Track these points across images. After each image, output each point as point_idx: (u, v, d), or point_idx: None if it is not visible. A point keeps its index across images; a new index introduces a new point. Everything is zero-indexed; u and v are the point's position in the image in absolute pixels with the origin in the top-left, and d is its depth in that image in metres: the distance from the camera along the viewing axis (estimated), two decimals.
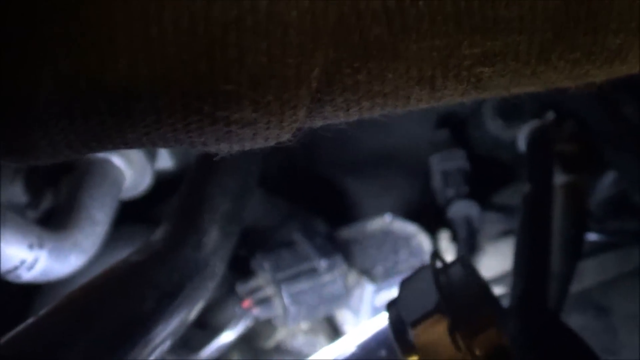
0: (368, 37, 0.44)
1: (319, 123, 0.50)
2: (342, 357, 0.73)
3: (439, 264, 0.76)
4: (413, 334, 0.69)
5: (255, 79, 0.42)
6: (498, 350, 0.66)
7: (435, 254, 0.75)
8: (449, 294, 0.69)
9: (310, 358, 0.61)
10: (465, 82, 0.50)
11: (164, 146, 0.48)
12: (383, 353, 0.73)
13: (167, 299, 0.83)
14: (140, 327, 0.79)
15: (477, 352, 0.65)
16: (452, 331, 0.66)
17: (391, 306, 0.75)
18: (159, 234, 0.93)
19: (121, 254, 1.04)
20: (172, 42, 0.40)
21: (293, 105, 0.44)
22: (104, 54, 0.40)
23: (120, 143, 0.46)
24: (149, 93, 0.41)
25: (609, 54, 0.53)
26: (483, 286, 0.74)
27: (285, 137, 0.48)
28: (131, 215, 1.20)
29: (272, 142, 0.48)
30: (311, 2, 0.41)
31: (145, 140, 0.46)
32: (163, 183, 1.23)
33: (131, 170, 1.13)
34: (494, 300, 0.76)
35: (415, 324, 0.69)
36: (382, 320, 0.75)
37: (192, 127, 0.44)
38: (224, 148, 0.48)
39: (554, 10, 0.48)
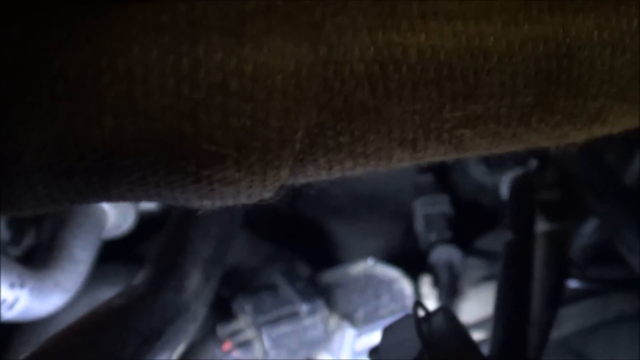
0: (351, 101, 0.44)
1: (302, 181, 0.50)
2: None
3: (421, 312, 0.76)
4: None
5: (239, 140, 0.42)
6: None
7: (418, 303, 0.76)
8: (430, 343, 0.69)
9: None
10: (447, 144, 0.50)
11: (147, 201, 0.48)
12: None
13: (148, 345, 0.83)
14: None
15: None
16: None
17: (373, 353, 0.75)
18: (140, 277, 0.93)
19: (103, 293, 1.04)
20: (157, 103, 0.40)
21: (276, 166, 0.45)
22: (89, 113, 0.40)
23: (104, 198, 0.46)
24: (134, 152, 0.41)
25: (589, 117, 0.54)
26: (464, 336, 0.74)
27: (268, 195, 0.48)
28: (114, 254, 1.19)
29: (254, 200, 0.48)
30: (296, 67, 0.42)
31: (128, 196, 0.46)
32: (146, 223, 1.23)
33: (114, 210, 1.13)
34: (476, 349, 0.77)
35: None
36: None
37: (176, 185, 0.44)
38: (206, 204, 0.48)
39: (535, 76, 0.49)
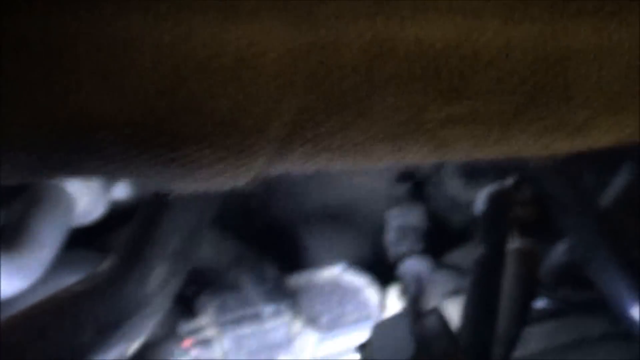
0: (334, 92, 0.43)
1: (277, 172, 0.49)
2: None
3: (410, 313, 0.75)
4: None
5: (218, 122, 0.41)
6: None
7: (414, 303, 0.75)
8: (424, 345, 0.68)
9: None
10: (428, 144, 0.50)
11: (121, 177, 0.47)
12: None
13: (105, 333, 0.82)
14: (76, 358, 0.78)
15: None
16: None
17: (363, 349, 0.74)
18: (104, 266, 0.92)
19: (67, 280, 1.02)
20: (135, 78, 0.39)
21: (252, 152, 0.44)
22: (66, 85, 0.39)
23: (76, 172, 0.46)
24: (109, 127, 0.41)
25: (573, 128, 0.53)
26: (455, 340, 0.73)
27: (243, 182, 0.47)
28: (81, 242, 1.18)
29: (229, 186, 0.48)
30: (281, 53, 0.41)
31: (101, 171, 0.45)
32: (117, 213, 1.22)
33: (85, 197, 1.12)
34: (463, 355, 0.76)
35: None
36: None
37: (149, 163, 0.43)
38: (180, 187, 0.47)
39: (521, 81, 0.48)
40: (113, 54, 0.39)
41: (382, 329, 0.74)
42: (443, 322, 0.72)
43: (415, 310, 0.73)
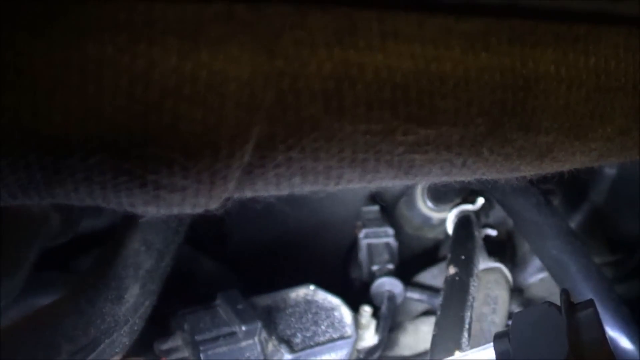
0: (304, 116, 0.44)
1: (248, 194, 0.50)
2: None
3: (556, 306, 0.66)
4: None
5: (188, 146, 0.42)
6: None
7: (567, 293, 0.66)
8: (577, 345, 0.60)
9: None
10: (397, 168, 0.50)
11: (92, 204, 0.47)
12: None
13: (82, 353, 0.82)
14: None
15: None
16: None
17: (500, 338, 0.67)
18: (80, 285, 0.92)
19: (39, 300, 1.02)
20: (108, 102, 0.40)
21: (223, 176, 0.44)
22: (38, 107, 0.39)
23: (47, 197, 0.45)
24: (80, 150, 0.41)
25: (540, 152, 0.54)
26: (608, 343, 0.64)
27: (214, 205, 0.48)
28: (51, 263, 1.18)
29: (200, 210, 0.48)
30: (250, 77, 0.42)
31: (72, 196, 0.45)
32: (88, 234, 1.21)
33: (57, 217, 1.11)
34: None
35: None
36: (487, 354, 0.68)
37: (121, 187, 0.44)
38: (151, 211, 0.47)
39: (490, 105, 0.49)
40: (89, 76, 0.39)
41: (524, 318, 0.65)
42: (598, 318, 0.63)
43: (568, 300, 0.62)
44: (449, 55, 0.47)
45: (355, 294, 1.37)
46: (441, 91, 0.47)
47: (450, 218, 1.40)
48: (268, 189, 0.49)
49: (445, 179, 0.55)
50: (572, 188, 1.46)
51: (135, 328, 0.95)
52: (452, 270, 1.19)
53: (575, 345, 0.58)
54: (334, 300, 1.23)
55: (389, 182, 0.53)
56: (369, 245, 1.41)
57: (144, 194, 0.44)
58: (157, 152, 0.41)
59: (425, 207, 1.47)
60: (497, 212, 1.44)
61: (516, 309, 1.42)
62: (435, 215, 1.48)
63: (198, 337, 1.06)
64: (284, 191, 0.50)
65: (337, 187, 0.51)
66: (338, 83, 0.44)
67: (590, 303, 0.63)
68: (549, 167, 0.57)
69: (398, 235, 1.43)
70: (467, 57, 0.47)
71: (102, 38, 0.39)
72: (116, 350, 0.91)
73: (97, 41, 0.39)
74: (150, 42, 0.39)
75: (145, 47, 0.39)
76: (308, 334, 1.16)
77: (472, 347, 1.03)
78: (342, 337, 1.17)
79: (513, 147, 0.52)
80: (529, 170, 0.57)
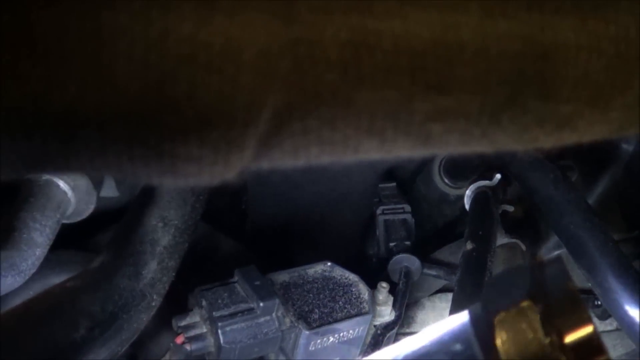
0: (321, 83, 0.43)
1: (265, 165, 0.50)
2: (414, 350, 0.67)
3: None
4: (496, 321, 0.61)
5: (204, 115, 0.41)
6: (594, 348, 0.57)
7: (535, 254, 0.66)
8: (541, 287, 0.60)
9: (385, 349, 0.58)
10: (415, 137, 0.50)
11: (108, 174, 0.47)
12: (458, 347, 0.67)
13: (99, 329, 0.82)
14: (70, 354, 0.78)
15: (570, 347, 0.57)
16: (543, 318, 0.58)
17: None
18: (97, 262, 0.92)
19: (57, 278, 1.02)
20: (123, 70, 0.39)
21: (239, 145, 0.44)
22: (52, 75, 0.39)
23: (63, 167, 0.45)
24: (95, 120, 0.41)
25: (560, 121, 0.53)
26: (577, 291, 0.64)
27: (230, 176, 0.47)
28: (71, 240, 1.18)
29: (216, 180, 0.48)
30: (266, 44, 0.41)
31: (88, 166, 0.45)
32: (107, 211, 1.22)
33: (76, 194, 1.12)
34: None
35: (499, 310, 0.61)
36: (460, 317, 0.69)
37: (137, 157, 0.43)
38: (167, 182, 0.47)
39: (508, 73, 0.49)
40: (103, 44, 0.39)
41: (495, 281, 0.66)
42: (564, 273, 0.63)
43: (535, 259, 0.63)
44: (466, 21, 0.46)
45: (373, 271, 1.37)
46: (460, 59, 0.46)
47: (467, 194, 1.40)
48: (285, 159, 0.49)
49: (463, 149, 0.54)
50: (590, 164, 1.45)
51: (153, 304, 0.96)
52: (469, 246, 1.19)
53: (540, 288, 0.58)
54: (351, 277, 1.23)
55: (406, 153, 0.52)
56: (386, 222, 1.41)
57: (160, 164, 0.44)
58: (172, 121, 0.41)
59: (442, 183, 1.47)
60: (515, 189, 1.43)
61: None
62: (453, 192, 1.48)
63: (216, 314, 1.06)
64: (301, 161, 0.49)
65: (354, 157, 0.50)
66: (355, 50, 0.43)
67: (556, 260, 0.64)
68: (569, 138, 0.56)
69: (415, 211, 1.43)
70: (486, 24, 0.46)
71: (115, 5, 0.39)
72: (134, 326, 0.92)
73: (110, 9, 0.38)
74: (165, 9, 0.39)
75: (160, 13, 0.39)
76: (325, 310, 1.16)
77: None
78: (359, 314, 1.17)
79: (532, 116, 0.52)
80: (548, 141, 0.56)
